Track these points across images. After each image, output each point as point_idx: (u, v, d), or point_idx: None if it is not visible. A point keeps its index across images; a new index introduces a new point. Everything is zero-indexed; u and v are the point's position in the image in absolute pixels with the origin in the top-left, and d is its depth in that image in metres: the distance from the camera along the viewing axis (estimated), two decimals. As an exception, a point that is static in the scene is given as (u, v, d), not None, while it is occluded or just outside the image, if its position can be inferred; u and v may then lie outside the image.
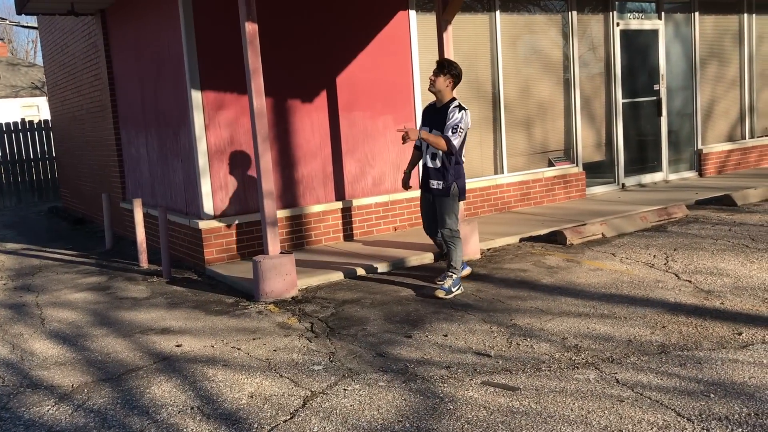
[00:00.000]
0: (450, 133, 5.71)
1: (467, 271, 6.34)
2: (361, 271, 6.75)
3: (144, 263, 7.84)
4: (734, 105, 11.96)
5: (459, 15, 8.55)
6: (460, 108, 5.77)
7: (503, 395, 3.88)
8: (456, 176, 5.84)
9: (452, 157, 5.79)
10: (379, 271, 6.82)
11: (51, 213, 13.45)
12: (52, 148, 15.76)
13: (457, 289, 5.91)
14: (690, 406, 3.59)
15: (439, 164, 5.84)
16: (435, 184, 5.89)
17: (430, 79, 5.87)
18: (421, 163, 6.10)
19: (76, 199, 12.64)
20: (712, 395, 3.70)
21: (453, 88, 5.90)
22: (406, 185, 6.34)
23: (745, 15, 11.82)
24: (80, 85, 10.94)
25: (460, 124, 5.73)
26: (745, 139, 12.07)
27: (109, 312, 6.09)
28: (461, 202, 5.96)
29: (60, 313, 6.18)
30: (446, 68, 5.83)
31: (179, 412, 3.94)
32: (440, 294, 5.82)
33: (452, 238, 5.94)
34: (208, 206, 7.26)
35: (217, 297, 6.35)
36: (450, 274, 5.93)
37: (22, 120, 16.25)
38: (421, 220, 8.48)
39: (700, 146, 11.41)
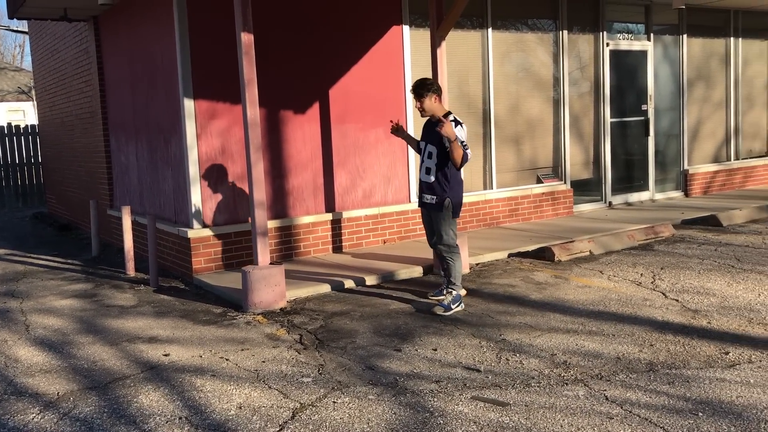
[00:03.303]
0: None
1: (462, 291, 6.04)
2: (350, 284, 6.74)
3: (131, 271, 7.79)
4: (720, 126, 12.12)
5: (452, 32, 8.60)
6: (456, 122, 5.67)
7: (493, 410, 3.88)
8: (452, 190, 5.76)
9: (448, 170, 5.71)
10: (368, 283, 6.82)
11: (36, 219, 13.33)
12: (38, 153, 15.65)
13: (458, 305, 5.79)
14: (679, 425, 3.61)
15: (432, 179, 5.78)
16: (428, 198, 5.84)
17: (417, 108, 5.75)
18: (416, 177, 6.08)
19: (62, 206, 12.55)
20: (700, 414, 3.73)
21: (441, 101, 5.82)
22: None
23: (732, 39, 12.01)
24: (70, 90, 10.89)
25: (461, 137, 5.64)
26: (730, 160, 12.22)
27: (96, 320, 6.04)
28: (454, 216, 5.89)
29: (45, 319, 6.11)
30: (424, 89, 5.68)
31: (167, 422, 3.90)
32: (439, 311, 5.73)
33: (450, 253, 5.86)
34: (197, 215, 7.24)
35: (204, 307, 6.32)
36: (450, 290, 5.85)
37: (8, 124, 16.12)
38: (410, 234, 8.53)
39: (686, 167, 11.54)
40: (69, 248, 9.81)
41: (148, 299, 6.68)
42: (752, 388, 4.03)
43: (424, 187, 5.88)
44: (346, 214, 8.09)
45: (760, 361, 4.44)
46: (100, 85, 9.44)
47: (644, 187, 11.08)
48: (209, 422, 3.88)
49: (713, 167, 11.85)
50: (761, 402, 3.84)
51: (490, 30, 9.14)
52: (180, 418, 3.94)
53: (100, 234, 9.39)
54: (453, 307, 5.77)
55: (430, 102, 5.71)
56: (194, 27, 7.13)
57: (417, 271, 7.10)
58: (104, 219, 9.76)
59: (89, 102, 9.99)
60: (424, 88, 5.68)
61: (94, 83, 9.58)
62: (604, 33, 10.30)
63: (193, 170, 7.18)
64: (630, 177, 10.95)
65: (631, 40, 10.73)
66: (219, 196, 7.36)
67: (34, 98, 13.84)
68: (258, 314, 5.98)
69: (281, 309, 6.10)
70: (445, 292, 5.92)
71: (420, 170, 5.94)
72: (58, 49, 11.24)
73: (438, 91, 5.74)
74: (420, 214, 8.32)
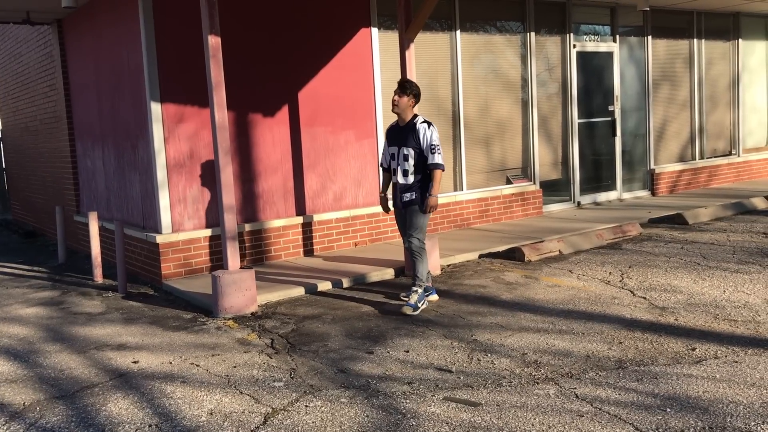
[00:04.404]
0: (436, 156, 5.81)
1: (435, 297, 6.18)
2: (322, 287, 6.72)
3: (98, 278, 7.68)
4: (685, 126, 12.33)
5: (420, 34, 8.64)
6: (428, 124, 5.88)
7: (465, 411, 3.90)
8: (428, 189, 5.89)
9: (424, 172, 5.88)
10: (340, 286, 6.80)
11: (0, 226, 13.07)
12: (2, 158, 15.33)
13: (423, 303, 5.89)
14: (647, 421, 3.66)
15: (411, 180, 5.90)
16: (407, 196, 5.93)
17: (393, 100, 5.93)
18: (391, 182, 6.14)
19: (27, 212, 12.32)
20: (668, 409, 3.79)
21: (414, 107, 6.00)
22: (386, 208, 6.35)
23: (695, 40, 12.23)
24: (34, 95, 10.70)
25: (434, 141, 5.82)
26: (695, 159, 12.43)
27: (63, 327, 5.93)
28: (428, 215, 5.99)
29: (11, 328, 6.00)
30: (408, 88, 5.93)
31: (136, 430, 3.85)
32: (408, 311, 5.77)
33: (419, 249, 5.95)
34: (166, 220, 7.15)
35: (174, 312, 6.25)
36: (416, 289, 5.91)
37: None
38: (382, 237, 8.53)
39: (652, 166, 11.71)
40: (35, 255, 9.63)
41: (116, 306, 6.59)
42: (718, 383, 4.10)
43: (402, 188, 5.96)
44: (317, 217, 8.06)
45: (726, 356, 4.52)
46: (65, 88, 9.30)
47: (612, 186, 11.23)
48: (180, 429, 3.83)
49: (679, 166, 12.05)
50: (727, 396, 3.91)
51: (458, 32, 9.19)
52: (150, 426, 3.89)
53: (67, 240, 9.24)
54: (420, 305, 5.84)
55: (406, 101, 5.94)
56: (161, 29, 7.05)
57: (389, 273, 7.11)
58: (71, 225, 9.60)
59: (54, 106, 9.83)
60: (410, 87, 5.96)
61: (59, 87, 9.43)
62: (571, 35, 10.42)
63: (161, 175, 7.11)
64: (598, 177, 11.08)
65: (597, 41, 10.87)
66: (188, 201, 7.29)
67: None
68: (229, 319, 5.93)
69: (252, 313, 6.06)
70: (411, 291, 5.95)
71: (396, 175, 5.99)
72: (21, 53, 11.04)
73: (417, 97, 6.00)
74: (391, 217, 8.37)
